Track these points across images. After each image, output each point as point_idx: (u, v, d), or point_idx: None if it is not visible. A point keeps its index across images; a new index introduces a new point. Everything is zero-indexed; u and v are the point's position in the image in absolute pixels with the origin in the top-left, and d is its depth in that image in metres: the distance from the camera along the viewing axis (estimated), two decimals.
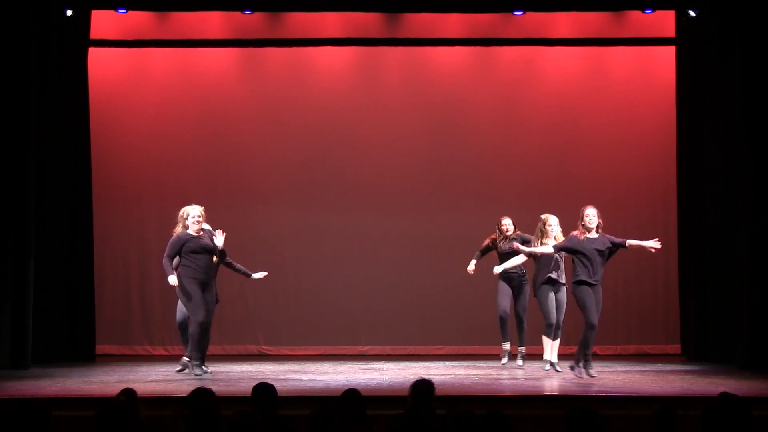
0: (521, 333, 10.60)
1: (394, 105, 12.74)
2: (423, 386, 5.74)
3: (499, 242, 10.67)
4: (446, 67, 12.80)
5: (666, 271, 12.54)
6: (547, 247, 9.69)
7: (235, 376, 9.97)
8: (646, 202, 12.65)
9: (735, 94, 11.10)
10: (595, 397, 8.17)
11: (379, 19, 12.46)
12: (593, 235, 9.25)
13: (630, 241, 9.33)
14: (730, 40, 11.17)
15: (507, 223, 10.70)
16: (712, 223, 11.58)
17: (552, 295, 10.07)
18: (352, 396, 5.79)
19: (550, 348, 10.11)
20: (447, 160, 12.69)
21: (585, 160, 12.68)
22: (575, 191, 12.64)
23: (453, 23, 12.39)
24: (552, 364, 10.06)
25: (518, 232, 10.63)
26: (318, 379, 9.63)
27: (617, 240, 9.30)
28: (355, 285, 12.59)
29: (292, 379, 9.56)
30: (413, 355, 12.21)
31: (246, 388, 6.15)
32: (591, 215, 9.24)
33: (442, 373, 10.21)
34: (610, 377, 9.89)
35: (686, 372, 10.40)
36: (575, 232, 9.34)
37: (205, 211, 9.69)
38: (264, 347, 12.51)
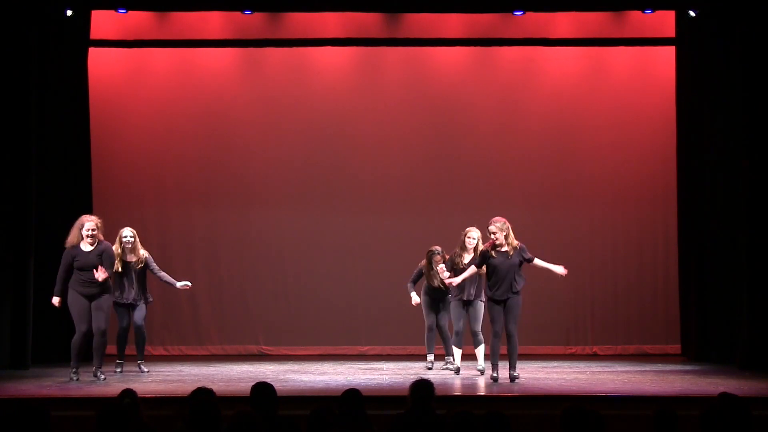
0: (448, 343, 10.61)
1: (394, 105, 12.74)
2: (423, 386, 5.74)
3: (432, 276, 10.56)
4: (446, 67, 12.80)
5: (666, 271, 12.55)
6: (471, 269, 9.60)
7: (235, 376, 9.97)
8: (646, 202, 12.65)
9: (735, 94, 11.10)
10: (595, 397, 8.18)
11: (379, 19, 12.45)
12: (504, 248, 9.30)
13: (538, 261, 9.35)
14: (730, 40, 11.16)
15: (439, 260, 10.46)
16: (712, 223, 11.57)
17: (462, 306, 10.10)
18: (352, 396, 5.79)
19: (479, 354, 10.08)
20: (447, 160, 12.69)
21: (585, 160, 12.68)
22: (575, 191, 12.67)
23: (453, 23, 12.39)
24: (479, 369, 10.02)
25: (447, 256, 10.45)
26: (318, 379, 9.63)
27: (527, 255, 9.31)
28: (355, 285, 12.59)
29: (292, 379, 9.56)
30: (413, 355, 12.19)
31: (246, 388, 6.14)
32: (492, 229, 9.27)
33: (442, 373, 10.22)
34: (610, 377, 9.90)
35: (686, 372, 10.40)
36: (485, 246, 9.44)
37: (100, 224, 9.62)
38: (264, 347, 12.51)
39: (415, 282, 10.83)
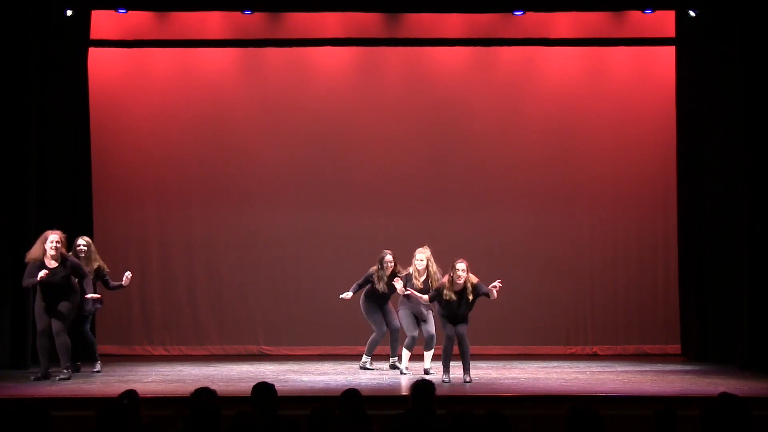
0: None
1: (394, 105, 12.73)
2: (423, 386, 5.74)
3: (379, 279, 10.46)
4: (446, 67, 12.80)
5: (666, 271, 12.54)
6: (426, 298, 9.84)
7: (235, 376, 9.97)
8: (646, 202, 12.64)
9: (735, 94, 11.11)
10: (595, 397, 8.18)
11: (379, 19, 12.45)
12: (460, 288, 9.44)
13: (493, 293, 9.42)
14: (730, 40, 11.17)
15: (390, 260, 10.47)
16: (712, 223, 11.58)
17: (412, 315, 10.22)
18: (352, 396, 5.79)
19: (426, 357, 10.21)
20: (447, 160, 12.69)
21: (585, 160, 12.67)
22: (575, 190, 12.66)
23: (453, 23, 12.39)
24: (425, 370, 10.10)
25: (399, 269, 10.43)
26: (318, 379, 9.64)
27: (484, 290, 9.45)
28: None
29: (292, 379, 9.57)
30: (413, 355, 12.15)
31: (246, 388, 6.15)
32: (460, 269, 9.43)
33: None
34: (610, 377, 9.90)
35: (686, 372, 10.41)
36: (443, 282, 9.55)
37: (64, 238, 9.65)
38: (264, 347, 12.51)
39: (361, 286, 10.58)
